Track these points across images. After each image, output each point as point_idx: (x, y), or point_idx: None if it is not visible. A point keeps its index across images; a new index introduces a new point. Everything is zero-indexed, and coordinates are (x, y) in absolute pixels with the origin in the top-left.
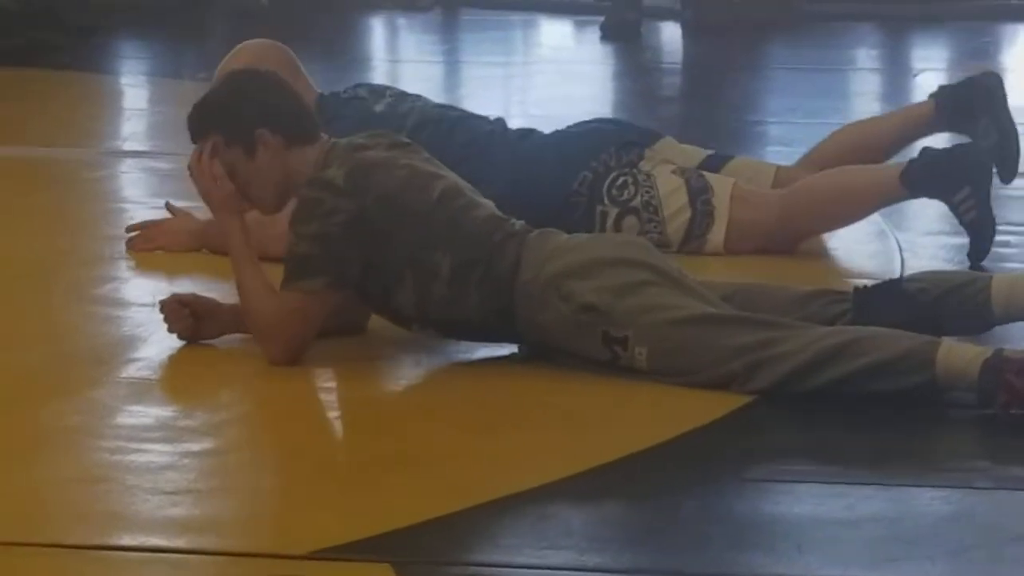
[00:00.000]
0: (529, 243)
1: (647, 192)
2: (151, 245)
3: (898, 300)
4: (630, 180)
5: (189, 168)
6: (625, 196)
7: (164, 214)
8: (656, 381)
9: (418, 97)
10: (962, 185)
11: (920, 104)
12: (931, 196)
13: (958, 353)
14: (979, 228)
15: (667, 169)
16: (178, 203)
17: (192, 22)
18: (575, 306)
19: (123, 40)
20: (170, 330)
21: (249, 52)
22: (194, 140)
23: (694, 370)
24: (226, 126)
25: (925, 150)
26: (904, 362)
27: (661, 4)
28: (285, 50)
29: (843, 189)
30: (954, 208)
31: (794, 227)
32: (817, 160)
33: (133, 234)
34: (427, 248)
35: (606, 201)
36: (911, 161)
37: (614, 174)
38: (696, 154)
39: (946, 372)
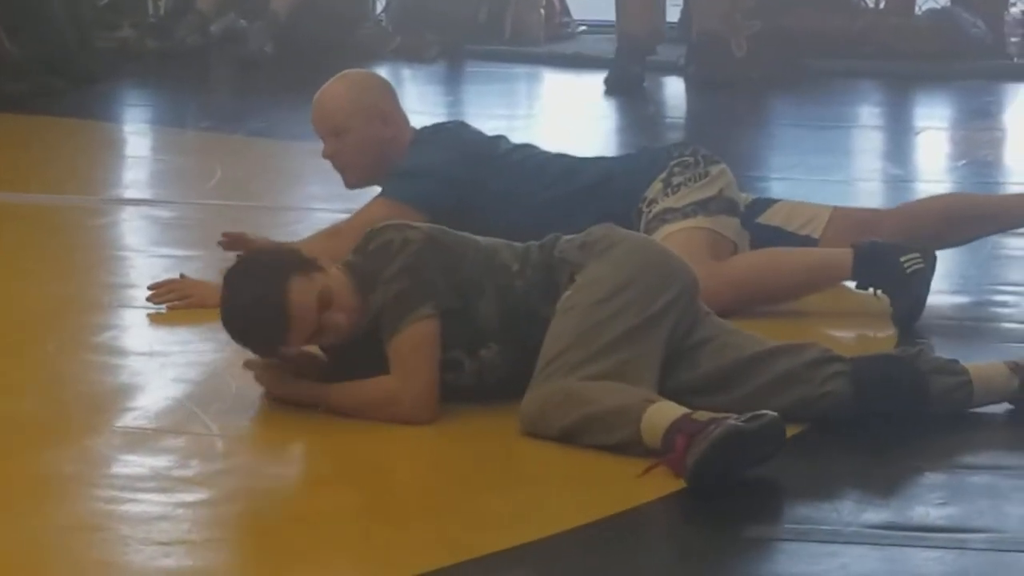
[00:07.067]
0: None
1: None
2: (186, 303)
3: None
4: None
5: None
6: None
7: (164, 263)
8: None
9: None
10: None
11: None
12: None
13: (660, 412)
14: (917, 282)
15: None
16: (177, 251)
17: (195, 71)
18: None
19: (127, 88)
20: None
21: (351, 79)
22: (282, 310)
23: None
24: (291, 264)
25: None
26: (614, 417)
27: (665, 59)
28: (387, 81)
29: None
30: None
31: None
32: (913, 214)
33: (157, 292)
34: (493, 251)
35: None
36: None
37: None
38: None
39: (647, 431)
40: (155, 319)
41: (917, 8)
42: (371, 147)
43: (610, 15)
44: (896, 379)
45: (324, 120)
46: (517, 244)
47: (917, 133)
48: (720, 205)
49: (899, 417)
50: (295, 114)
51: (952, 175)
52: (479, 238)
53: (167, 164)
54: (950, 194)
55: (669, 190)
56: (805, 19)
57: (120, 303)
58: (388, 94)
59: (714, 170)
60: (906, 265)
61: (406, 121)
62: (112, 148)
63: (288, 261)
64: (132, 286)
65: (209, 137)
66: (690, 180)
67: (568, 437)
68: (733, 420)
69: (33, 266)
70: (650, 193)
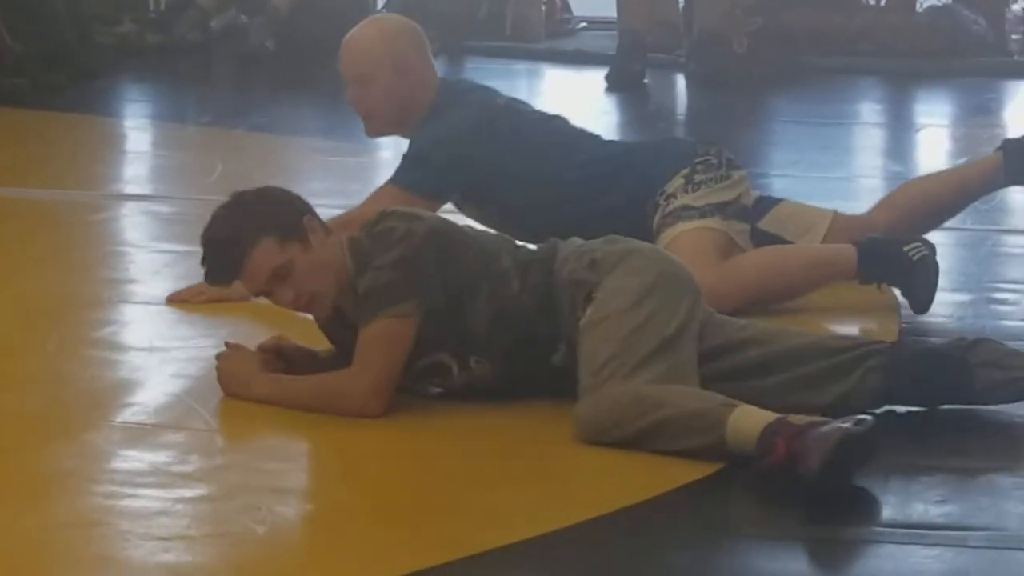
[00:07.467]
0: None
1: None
2: (202, 298)
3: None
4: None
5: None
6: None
7: (164, 258)
8: None
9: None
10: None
11: (986, 158)
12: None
13: (749, 416)
14: (926, 267)
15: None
16: (177, 247)
17: (196, 66)
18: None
19: (127, 83)
20: None
21: (382, 25)
22: (239, 260)
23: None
24: (276, 224)
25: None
26: (695, 421)
27: (666, 56)
28: (418, 29)
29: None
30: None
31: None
32: (887, 209)
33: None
34: (496, 255)
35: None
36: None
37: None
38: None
39: (734, 434)
40: (154, 311)
41: (918, 5)
42: (395, 99)
43: (611, 11)
44: (929, 377)
45: (351, 66)
46: (521, 249)
47: (918, 130)
48: (736, 211)
49: (899, 414)
50: (296, 109)
51: None
52: (483, 236)
53: (167, 159)
54: (921, 178)
55: (690, 187)
56: (805, 17)
57: (120, 299)
58: (418, 43)
59: (735, 175)
60: (911, 253)
61: (433, 73)
62: (112, 143)
63: (275, 219)
64: (132, 282)
65: (210, 132)
66: (711, 180)
67: (640, 441)
68: (838, 423)
69: (34, 262)
70: (670, 187)
